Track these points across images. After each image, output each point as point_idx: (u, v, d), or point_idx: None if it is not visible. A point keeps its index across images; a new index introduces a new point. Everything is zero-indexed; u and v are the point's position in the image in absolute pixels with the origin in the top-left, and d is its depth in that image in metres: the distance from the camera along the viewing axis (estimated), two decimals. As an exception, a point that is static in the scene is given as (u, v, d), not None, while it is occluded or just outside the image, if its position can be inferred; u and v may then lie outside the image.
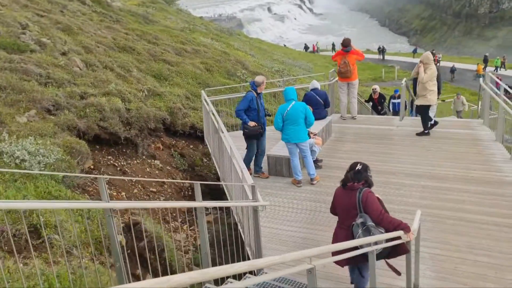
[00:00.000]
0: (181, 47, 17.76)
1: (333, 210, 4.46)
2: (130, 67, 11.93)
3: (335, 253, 3.73)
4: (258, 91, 7.28)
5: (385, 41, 68.07)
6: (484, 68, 35.97)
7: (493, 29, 69.36)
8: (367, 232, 3.92)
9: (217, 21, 58.37)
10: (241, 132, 7.44)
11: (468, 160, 7.57)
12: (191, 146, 10.49)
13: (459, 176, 7.05)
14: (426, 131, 8.89)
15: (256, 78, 7.29)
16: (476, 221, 5.71)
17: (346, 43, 9.96)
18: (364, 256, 3.78)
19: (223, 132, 6.51)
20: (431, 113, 8.89)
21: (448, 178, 7.00)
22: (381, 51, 46.58)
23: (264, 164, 7.70)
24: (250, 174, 7.25)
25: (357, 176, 4.17)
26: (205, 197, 8.98)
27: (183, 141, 10.41)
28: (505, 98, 7.81)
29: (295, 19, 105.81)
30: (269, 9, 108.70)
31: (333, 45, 52.31)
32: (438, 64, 37.44)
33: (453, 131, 9.15)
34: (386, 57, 46.50)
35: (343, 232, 4.15)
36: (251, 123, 7.21)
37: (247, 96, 7.27)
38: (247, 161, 7.31)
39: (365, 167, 4.27)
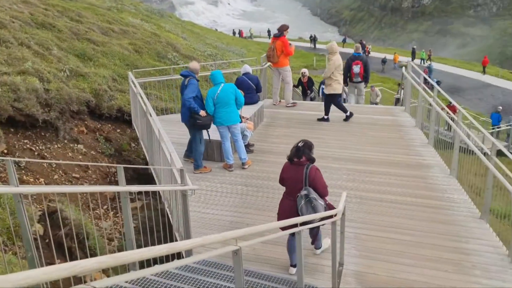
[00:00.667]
0: (108, 27, 16.82)
1: (281, 182, 4.88)
2: (50, 45, 11.06)
3: (279, 216, 4.61)
4: (197, 79, 7.03)
5: (317, 30, 69.77)
6: (412, 60, 38.17)
7: (415, 23, 73.71)
8: (309, 203, 4.44)
9: (148, 2, 56.26)
10: (171, 116, 7.15)
11: (391, 145, 7.96)
12: (118, 130, 10.02)
13: (383, 159, 7.39)
14: (326, 117, 9.23)
15: (192, 65, 6.95)
16: (398, 202, 6.03)
17: (279, 28, 9.87)
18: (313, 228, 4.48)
19: (151, 115, 6.25)
20: (352, 101, 9.27)
21: (372, 162, 7.31)
22: (313, 39, 47.69)
23: (195, 149, 7.53)
24: (205, 171, 7.06)
25: (298, 153, 4.64)
26: (133, 182, 8.65)
27: (110, 125, 9.91)
28: (424, 86, 8.29)
29: (228, 4, 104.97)
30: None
31: (269, 31, 52.61)
32: (368, 54, 39.23)
33: (377, 117, 9.57)
34: (318, 45, 47.64)
35: (289, 202, 4.62)
36: (203, 113, 6.78)
37: (194, 82, 6.80)
38: (199, 155, 7.01)
39: (308, 145, 4.74)
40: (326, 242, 5.08)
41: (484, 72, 38.29)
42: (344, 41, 50.35)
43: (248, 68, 9.08)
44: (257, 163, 7.41)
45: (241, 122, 7.60)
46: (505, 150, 5.41)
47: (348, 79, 10.33)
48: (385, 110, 10.09)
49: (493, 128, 20.05)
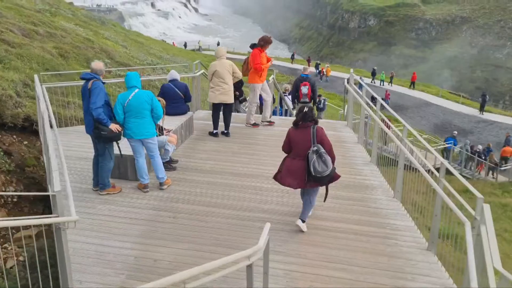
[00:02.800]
0: (31, 28, 15.21)
1: (287, 148, 5.35)
2: None
3: (279, 175, 5.33)
4: (103, 81, 5.85)
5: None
6: (372, 81, 38.79)
7: (361, 43, 76.07)
8: (320, 157, 5.02)
9: (95, 12, 53.96)
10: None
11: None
12: (25, 142, 8.60)
13: (321, 179, 6.58)
14: (215, 132, 8.40)
15: (95, 65, 5.75)
16: (337, 230, 5.19)
17: (259, 38, 8.65)
18: (316, 182, 5.11)
19: (44, 123, 5.07)
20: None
21: (309, 182, 6.48)
22: None
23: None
24: (114, 192, 5.90)
25: (305, 117, 5.16)
26: (38, 204, 7.33)
27: (14, 136, 8.48)
28: (367, 100, 7.65)
29: (179, 17, 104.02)
30: (152, 5, 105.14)
31: (218, 43, 51.95)
32: (322, 75, 39.57)
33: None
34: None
35: (299, 162, 5.13)
36: (114, 126, 5.60)
37: (99, 86, 5.59)
38: (106, 173, 5.84)
39: (311, 109, 5.27)
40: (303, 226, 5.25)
41: (413, 87, 39.92)
42: (292, 57, 50.60)
43: (175, 75, 8.06)
44: (179, 182, 6.36)
45: (160, 134, 6.54)
46: (451, 168, 4.73)
47: (296, 99, 10.20)
48: (327, 124, 9.40)
49: (437, 146, 20.25)
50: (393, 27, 77.79)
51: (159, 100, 6.44)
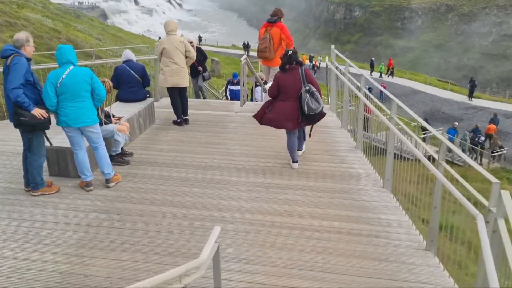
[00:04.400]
0: (-12, 18, 14.06)
1: (275, 92, 5.47)
2: None
3: (266, 118, 5.58)
4: (27, 56, 4.77)
5: (254, 40, 69.16)
6: (371, 72, 37.64)
7: (347, 34, 75.50)
8: (312, 95, 5.32)
9: (79, 9, 52.37)
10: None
11: (310, 150, 6.26)
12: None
13: (299, 169, 5.65)
14: (179, 120, 7.39)
15: (17, 36, 4.70)
16: (316, 229, 4.25)
17: (273, 13, 7.52)
18: (308, 120, 5.48)
19: None
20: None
21: (283, 172, 5.54)
22: (246, 46, 46.49)
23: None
24: (50, 192, 4.92)
25: (291, 59, 5.37)
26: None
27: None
28: (350, 77, 6.71)
29: (163, 13, 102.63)
30: (136, 1, 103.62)
31: (200, 37, 50.71)
32: (317, 68, 38.41)
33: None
34: (251, 53, 46.48)
35: (291, 103, 5.38)
36: (38, 111, 4.54)
37: (19, 62, 4.50)
38: (37, 170, 4.82)
39: (295, 52, 5.48)
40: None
41: (391, 73, 38.83)
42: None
43: (130, 55, 7.04)
44: (130, 178, 5.38)
45: (106, 122, 5.54)
46: (454, 147, 3.83)
47: None
48: (307, 109, 8.47)
49: (424, 133, 19.49)
50: (379, 17, 77.36)
51: (103, 82, 5.45)
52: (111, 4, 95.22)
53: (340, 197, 4.91)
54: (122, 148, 5.89)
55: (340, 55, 7.60)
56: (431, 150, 4.06)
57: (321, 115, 5.52)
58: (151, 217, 4.49)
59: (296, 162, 5.68)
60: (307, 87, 5.33)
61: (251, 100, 10.05)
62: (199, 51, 9.26)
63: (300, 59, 5.50)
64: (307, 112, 5.32)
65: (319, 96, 5.39)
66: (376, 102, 5.73)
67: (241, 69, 8.30)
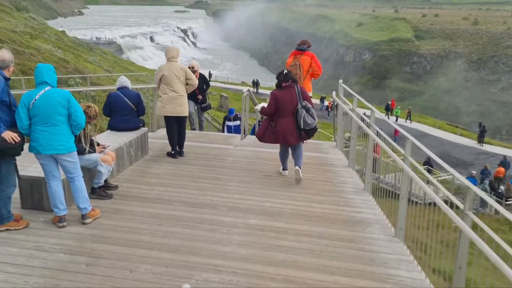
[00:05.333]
0: (-4, 44, 13.98)
1: (273, 110, 5.82)
2: None
3: (279, 139, 5.92)
4: (7, 75, 4.35)
5: (264, 79, 70.12)
6: (387, 115, 36.93)
7: (356, 76, 76.15)
8: (308, 111, 5.76)
9: (97, 45, 53.57)
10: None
11: (313, 190, 5.67)
12: None
13: (300, 211, 5.05)
14: (172, 152, 6.95)
15: (1, 56, 4.21)
16: (312, 284, 3.62)
17: (301, 42, 7.48)
18: (303, 136, 5.91)
19: None
20: None
21: (283, 214, 4.93)
22: (255, 83, 46.85)
23: (15, 194, 4.77)
24: (17, 227, 4.39)
25: (286, 77, 5.85)
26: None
27: None
28: (358, 113, 6.21)
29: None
30: (151, 39, 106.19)
31: (210, 74, 51.32)
32: (331, 110, 37.95)
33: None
34: (260, 90, 46.77)
35: (287, 120, 5.80)
36: (8, 134, 4.04)
37: None
38: (5, 202, 4.31)
39: (289, 71, 6.03)
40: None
41: (391, 113, 37.96)
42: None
43: (124, 81, 6.64)
44: (111, 214, 4.81)
45: (91, 151, 5.04)
46: (483, 195, 3.25)
47: None
48: (311, 145, 7.95)
49: (436, 177, 18.77)
50: (388, 61, 78.27)
51: (88, 107, 4.99)
52: (128, 40, 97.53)
53: (347, 246, 4.27)
54: (106, 180, 5.36)
55: (348, 89, 7.15)
56: (454, 198, 3.45)
57: (316, 129, 5.94)
58: (127, 262, 3.89)
59: (287, 169, 6.25)
60: (303, 103, 5.74)
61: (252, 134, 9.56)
62: (201, 78, 8.62)
63: (295, 77, 6.02)
64: (302, 127, 5.73)
65: (314, 112, 5.79)
66: (388, 141, 5.18)
67: (242, 101, 7.86)
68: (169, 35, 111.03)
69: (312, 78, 7.61)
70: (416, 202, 4.60)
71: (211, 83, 9.06)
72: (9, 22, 23.00)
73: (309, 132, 5.83)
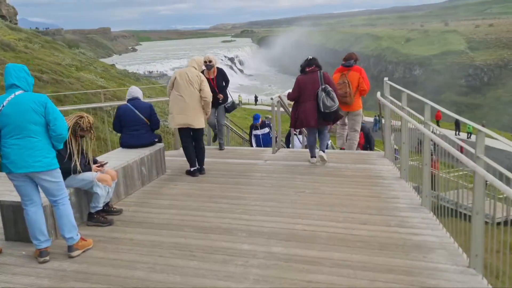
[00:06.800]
0: (34, 75, 14.11)
1: (295, 94, 6.11)
2: None
3: (302, 123, 6.12)
4: None
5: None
6: (457, 133, 35.18)
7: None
8: (328, 94, 5.87)
9: (148, 77, 55.35)
10: None
11: (356, 208, 4.55)
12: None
13: (337, 235, 3.95)
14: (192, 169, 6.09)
15: None
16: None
17: (347, 57, 7.16)
18: (325, 119, 6.01)
19: None
20: None
21: (317, 240, 3.86)
22: (256, 99, 47.04)
23: None
24: None
25: (311, 62, 6.08)
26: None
27: None
28: (410, 110, 5.06)
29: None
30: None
31: (255, 97, 51.48)
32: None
33: (341, 165, 6.25)
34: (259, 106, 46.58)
35: (309, 104, 5.96)
36: None
37: None
38: None
39: (315, 58, 6.18)
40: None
41: (459, 130, 35.67)
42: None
43: (135, 92, 5.93)
44: (106, 244, 3.97)
45: (86, 169, 4.27)
46: None
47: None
48: (355, 156, 6.79)
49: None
50: (440, 75, 75.17)
51: (80, 117, 4.23)
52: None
53: (401, 281, 3.13)
54: (108, 204, 4.57)
55: (396, 86, 6.02)
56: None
57: (337, 114, 6.01)
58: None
59: (315, 157, 6.28)
60: (323, 86, 5.88)
61: (288, 147, 8.55)
62: (219, 73, 7.29)
63: (319, 63, 6.12)
64: (322, 110, 5.85)
65: (334, 95, 5.86)
66: (455, 141, 4.00)
67: (272, 109, 6.91)
68: (218, 64, 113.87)
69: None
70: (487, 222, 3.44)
71: (258, 107, 7.82)
72: (57, 56, 23.79)
73: (329, 116, 5.88)
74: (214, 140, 7.86)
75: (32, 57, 18.33)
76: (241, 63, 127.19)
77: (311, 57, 6.09)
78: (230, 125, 10.72)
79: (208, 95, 5.91)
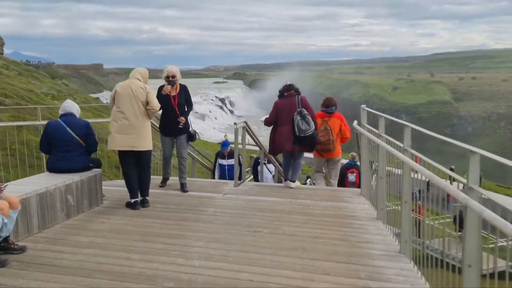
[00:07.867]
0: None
1: (273, 118, 6.09)
2: None
3: (279, 146, 6.10)
4: None
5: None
6: (451, 182, 34.71)
7: (393, 139, 74.00)
8: (304, 118, 5.83)
9: None
10: None
11: (321, 254, 3.64)
12: None
13: (293, 288, 3.03)
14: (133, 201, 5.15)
15: None
16: None
17: (327, 103, 6.98)
18: (301, 144, 5.94)
19: None
20: None
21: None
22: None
23: None
24: None
25: (290, 88, 6.10)
26: None
27: None
28: (389, 138, 4.28)
29: (215, 118, 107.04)
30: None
31: (225, 135, 51.05)
32: None
33: (310, 202, 5.37)
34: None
35: (286, 128, 5.90)
36: None
37: None
38: None
39: (292, 84, 6.20)
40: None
41: (453, 180, 35.31)
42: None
43: (71, 107, 5.06)
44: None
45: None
46: None
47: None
48: (330, 192, 5.93)
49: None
50: (426, 123, 76.19)
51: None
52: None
53: None
54: (6, 239, 3.60)
55: (373, 111, 5.27)
56: None
57: (314, 141, 5.96)
58: None
59: (293, 181, 6.24)
60: (299, 110, 5.85)
61: (257, 180, 7.65)
62: (183, 90, 5.91)
63: (297, 88, 6.13)
64: (298, 134, 5.78)
65: (310, 119, 5.83)
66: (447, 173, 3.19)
67: (235, 135, 6.08)
68: (207, 104, 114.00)
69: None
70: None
71: (246, 147, 6.51)
72: (33, 85, 22.98)
73: (305, 140, 5.78)
74: (163, 183, 6.17)
75: (1, 82, 17.54)
76: (231, 104, 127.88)
77: (289, 83, 6.14)
78: (197, 156, 9.80)
79: (156, 106, 5.04)
